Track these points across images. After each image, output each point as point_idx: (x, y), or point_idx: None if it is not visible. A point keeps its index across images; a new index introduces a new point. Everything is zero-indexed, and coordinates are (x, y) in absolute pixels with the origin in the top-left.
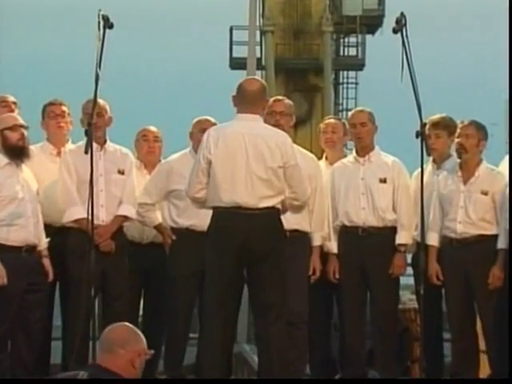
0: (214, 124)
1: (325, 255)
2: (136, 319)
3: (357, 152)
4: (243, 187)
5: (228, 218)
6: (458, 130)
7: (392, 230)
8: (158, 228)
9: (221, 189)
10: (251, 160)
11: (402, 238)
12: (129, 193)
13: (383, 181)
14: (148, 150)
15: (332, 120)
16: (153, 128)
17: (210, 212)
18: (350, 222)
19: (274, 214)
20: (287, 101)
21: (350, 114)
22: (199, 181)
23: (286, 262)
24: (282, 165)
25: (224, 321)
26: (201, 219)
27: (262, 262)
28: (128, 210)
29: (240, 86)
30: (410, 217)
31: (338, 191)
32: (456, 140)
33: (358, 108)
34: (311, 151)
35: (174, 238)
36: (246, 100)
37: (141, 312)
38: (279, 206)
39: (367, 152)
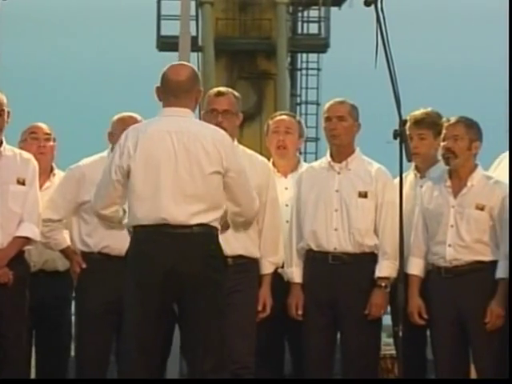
0: (140, 121)
1: (286, 285)
2: (28, 371)
3: (331, 155)
4: (170, 200)
5: (151, 238)
6: (444, 131)
7: (372, 259)
8: (66, 252)
9: (142, 203)
10: (181, 166)
11: (383, 269)
12: (31, 208)
13: (363, 195)
14: (38, 150)
15: (285, 116)
16: (42, 124)
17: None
18: (317, 247)
19: (209, 233)
20: (232, 94)
21: (326, 105)
22: (107, 194)
23: (229, 296)
24: (222, 171)
25: (147, 371)
26: (117, 240)
27: (194, 296)
28: (30, 230)
29: (164, 75)
30: (396, 243)
31: (304, 205)
32: (442, 143)
33: (338, 98)
34: (261, 154)
35: (83, 265)
36: (170, 92)
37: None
38: (216, 224)
39: (345, 156)
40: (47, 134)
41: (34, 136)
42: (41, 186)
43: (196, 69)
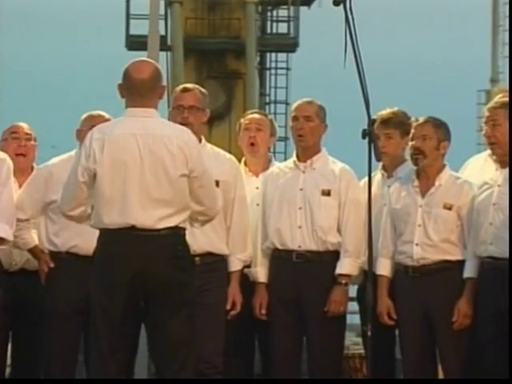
0: (109, 120)
1: (251, 285)
2: (3, 370)
3: (297, 155)
4: (137, 205)
5: (119, 240)
6: (413, 130)
7: (335, 257)
8: (34, 251)
9: (109, 208)
10: (147, 170)
11: (344, 266)
12: (5, 208)
13: (326, 193)
14: (18, 149)
15: (256, 115)
16: (23, 124)
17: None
18: (282, 245)
19: (176, 234)
20: (199, 90)
21: (293, 104)
22: (75, 197)
23: (197, 296)
24: (187, 173)
25: (117, 371)
26: (86, 239)
27: (162, 296)
28: (3, 230)
29: (126, 73)
30: (358, 241)
31: (269, 204)
32: (410, 143)
33: (306, 98)
34: (230, 153)
35: (52, 265)
36: (134, 91)
37: (9, 361)
38: (183, 225)
39: (310, 156)
40: (28, 133)
41: (14, 136)
42: (21, 186)
43: (159, 65)
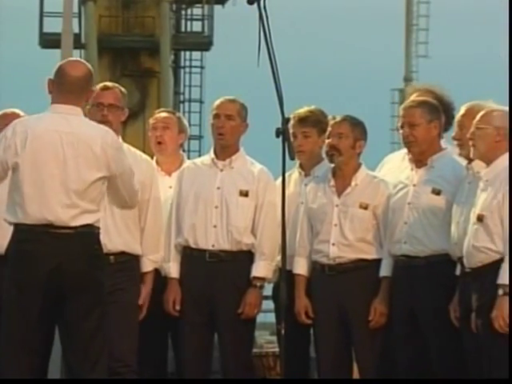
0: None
1: (163, 281)
2: None
3: (215, 153)
4: (56, 201)
5: (34, 238)
6: (329, 128)
7: (248, 258)
8: None
9: (28, 202)
10: (69, 168)
11: (259, 269)
12: None
13: (244, 194)
14: None
15: (163, 114)
16: None
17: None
18: (195, 244)
19: (92, 233)
20: (119, 89)
21: (216, 101)
22: None
23: (111, 295)
24: (108, 175)
25: (31, 371)
26: (5, 238)
27: (78, 294)
28: None
29: (61, 70)
30: (274, 244)
31: (185, 200)
32: (326, 141)
33: (229, 96)
34: (144, 152)
35: None
36: (66, 88)
37: None
38: (98, 224)
39: (229, 155)
40: None
41: None
42: None
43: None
